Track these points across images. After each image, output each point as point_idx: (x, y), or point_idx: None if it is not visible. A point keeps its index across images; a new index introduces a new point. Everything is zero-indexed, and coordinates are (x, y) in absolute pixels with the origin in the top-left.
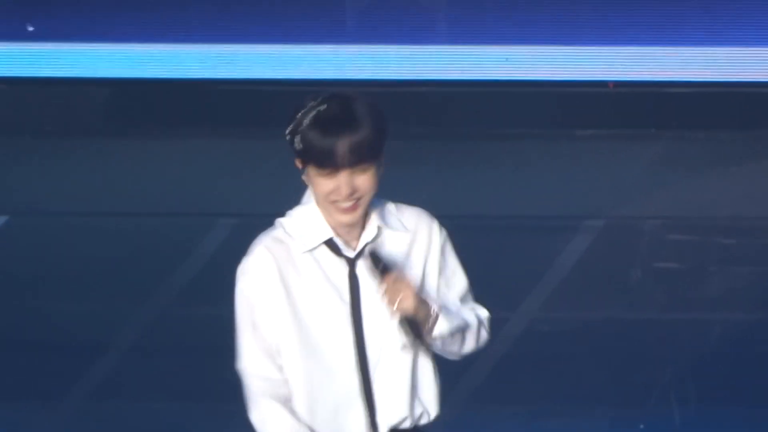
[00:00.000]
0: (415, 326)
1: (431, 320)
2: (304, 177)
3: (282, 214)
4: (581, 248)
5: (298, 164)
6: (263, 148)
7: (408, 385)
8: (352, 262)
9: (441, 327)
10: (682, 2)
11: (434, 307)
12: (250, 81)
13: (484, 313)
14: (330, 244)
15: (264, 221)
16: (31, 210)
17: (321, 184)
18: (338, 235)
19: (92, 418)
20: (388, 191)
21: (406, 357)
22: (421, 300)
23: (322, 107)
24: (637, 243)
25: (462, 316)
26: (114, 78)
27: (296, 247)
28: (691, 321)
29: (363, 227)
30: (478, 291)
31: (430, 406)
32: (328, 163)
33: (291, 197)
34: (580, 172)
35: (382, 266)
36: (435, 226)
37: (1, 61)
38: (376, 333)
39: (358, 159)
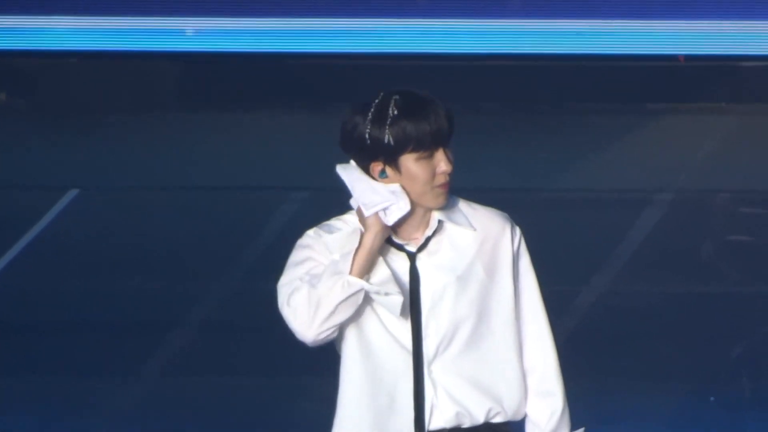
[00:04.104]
0: None
1: None
2: (383, 180)
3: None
4: (652, 222)
5: (377, 167)
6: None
7: (469, 381)
8: (413, 257)
9: None
10: None
11: None
12: (324, 55)
13: (549, 336)
14: (389, 240)
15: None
16: (102, 184)
17: (422, 169)
18: (396, 232)
19: (165, 394)
20: (461, 168)
21: (469, 353)
22: None
23: (396, 98)
24: (708, 217)
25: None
26: (185, 52)
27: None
28: (763, 295)
29: (427, 223)
30: (549, 266)
31: (506, 403)
32: (428, 142)
33: None
34: (651, 146)
35: None
36: (509, 228)
37: (72, 35)
38: (434, 328)
39: (450, 132)
